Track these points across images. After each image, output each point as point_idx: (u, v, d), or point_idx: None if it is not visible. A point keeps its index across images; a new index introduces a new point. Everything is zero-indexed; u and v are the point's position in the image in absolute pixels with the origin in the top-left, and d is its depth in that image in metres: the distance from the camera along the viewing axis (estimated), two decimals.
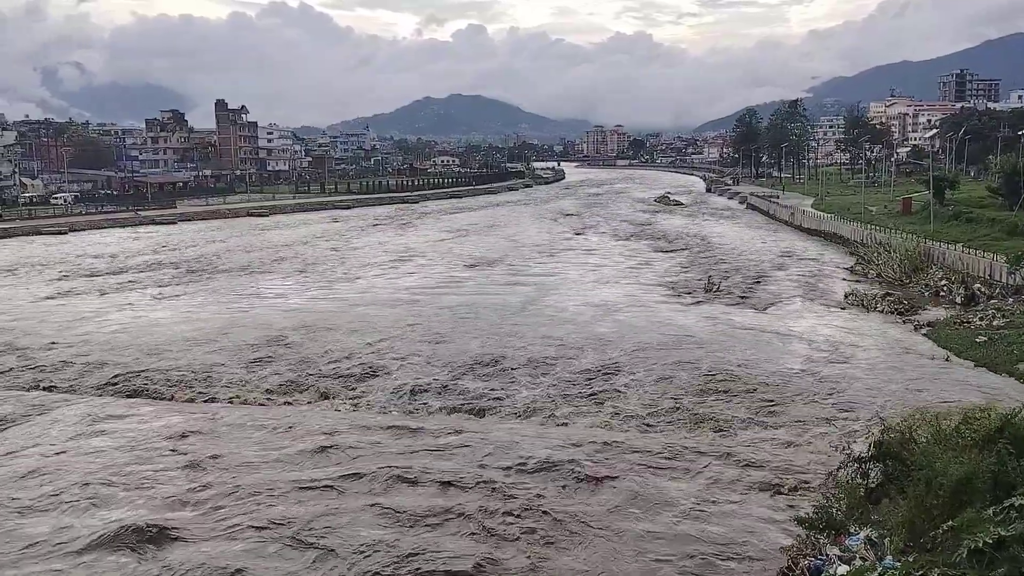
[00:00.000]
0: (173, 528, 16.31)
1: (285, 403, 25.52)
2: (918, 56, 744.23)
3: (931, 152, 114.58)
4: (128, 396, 26.35)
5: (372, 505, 17.25)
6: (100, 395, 26.44)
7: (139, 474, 19.25)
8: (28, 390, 26.91)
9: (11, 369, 29.42)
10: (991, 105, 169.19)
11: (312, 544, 15.60)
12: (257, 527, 16.33)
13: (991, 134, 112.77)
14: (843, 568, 12.72)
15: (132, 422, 23.30)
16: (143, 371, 28.70)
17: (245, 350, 31.44)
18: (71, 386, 27.30)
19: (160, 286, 48.78)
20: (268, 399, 25.90)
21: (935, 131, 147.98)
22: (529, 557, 15.15)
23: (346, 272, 54.25)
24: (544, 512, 16.93)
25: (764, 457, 19.84)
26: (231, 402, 25.61)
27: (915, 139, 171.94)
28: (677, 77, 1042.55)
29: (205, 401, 25.82)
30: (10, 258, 62.76)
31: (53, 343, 33.06)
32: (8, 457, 20.66)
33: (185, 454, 20.48)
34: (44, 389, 26.98)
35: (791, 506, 16.78)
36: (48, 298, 45.28)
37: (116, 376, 28.14)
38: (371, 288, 47.48)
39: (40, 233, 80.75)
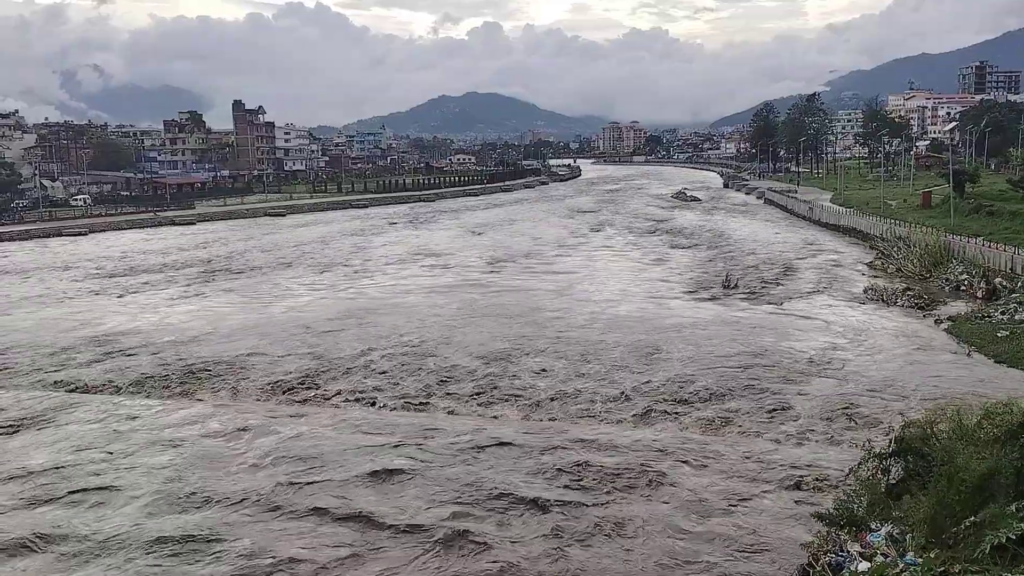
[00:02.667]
0: None
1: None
2: (937, 48, 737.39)
3: (951, 145, 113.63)
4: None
5: None
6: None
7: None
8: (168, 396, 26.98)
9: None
10: (1011, 97, 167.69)
11: None
12: None
13: (1012, 126, 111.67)
14: (864, 565, 12.67)
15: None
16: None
17: (311, 343, 32.38)
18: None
19: (204, 283, 49.83)
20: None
21: (955, 124, 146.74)
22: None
23: (371, 269, 54.94)
24: (566, 507, 17.00)
25: (784, 452, 19.80)
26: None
27: (934, 132, 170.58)
28: (694, 72, 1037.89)
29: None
30: (42, 259, 63.37)
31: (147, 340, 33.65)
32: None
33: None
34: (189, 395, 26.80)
35: (812, 502, 16.74)
36: (117, 296, 46.20)
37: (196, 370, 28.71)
38: (401, 283, 48.48)
39: (61, 235, 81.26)
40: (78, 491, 18.66)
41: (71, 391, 26.89)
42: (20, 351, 32.19)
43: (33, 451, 21.38)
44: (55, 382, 27.84)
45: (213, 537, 16.24)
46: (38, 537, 16.46)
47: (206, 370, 28.81)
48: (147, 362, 30.08)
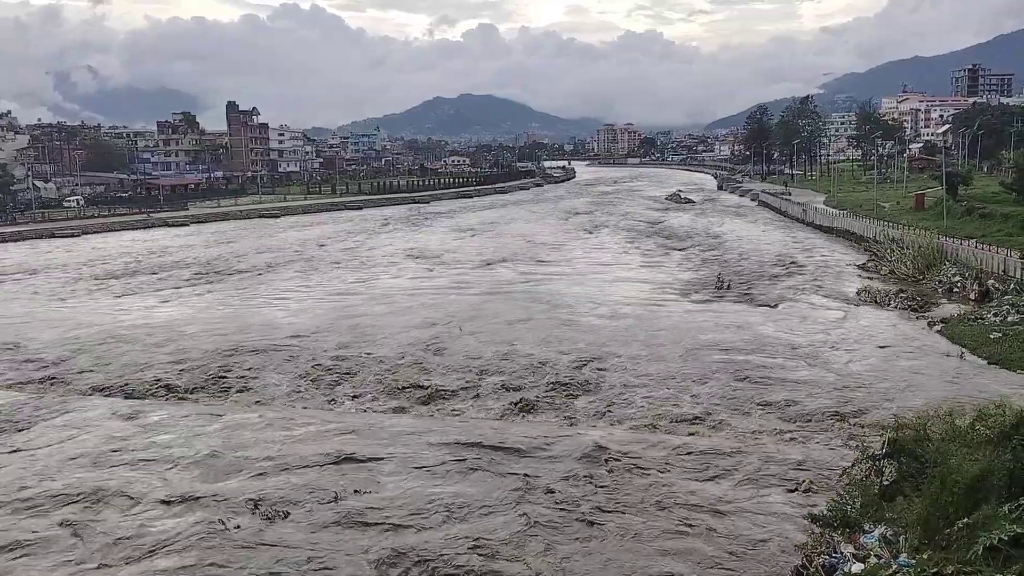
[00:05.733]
0: None
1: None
2: (931, 51, 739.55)
3: (944, 148, 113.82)
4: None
5: None
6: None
7: None
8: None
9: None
10: (1004, 100, 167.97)
11: None
12: None
13: (1004, 129, 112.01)
14: (858, 566, 12.69)
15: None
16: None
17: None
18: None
19: (211, 284, 50.07)
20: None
21: (948, 127, 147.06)
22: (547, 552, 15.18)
23: (373, 269, 55.25)
24: (564, 506, 17.00)
25: (777, 454, 19.79)
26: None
27: (928, 135, 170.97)
28: (692, 74, 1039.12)
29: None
30: (49, 260, 63.17)
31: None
32: None
33: None
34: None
35: (806, 503, 16.73)
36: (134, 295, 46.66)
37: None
38: (405, 283, 48.87)
39: (54, 236, 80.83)
40: None
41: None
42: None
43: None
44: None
45: None
46: None
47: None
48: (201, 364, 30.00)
